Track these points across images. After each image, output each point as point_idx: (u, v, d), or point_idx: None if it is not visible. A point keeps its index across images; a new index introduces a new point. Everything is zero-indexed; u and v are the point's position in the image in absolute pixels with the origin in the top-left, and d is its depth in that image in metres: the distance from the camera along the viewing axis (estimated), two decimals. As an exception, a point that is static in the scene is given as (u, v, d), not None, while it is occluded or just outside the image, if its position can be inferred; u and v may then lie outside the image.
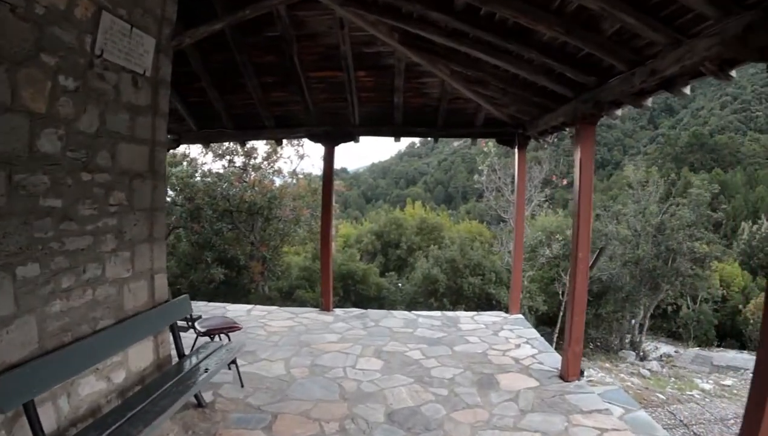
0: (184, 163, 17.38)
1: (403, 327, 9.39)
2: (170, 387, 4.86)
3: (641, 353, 20.95)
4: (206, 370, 5.34)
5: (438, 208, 39.80)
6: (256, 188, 17.72)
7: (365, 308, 18.49)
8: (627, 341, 22.45)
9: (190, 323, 6.41)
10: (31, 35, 3.74)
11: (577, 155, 6.70)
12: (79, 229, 4.45)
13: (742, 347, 25.68)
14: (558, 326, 18.84)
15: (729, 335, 27.49)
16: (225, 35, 7.99)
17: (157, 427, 4.19)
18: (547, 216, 23.23)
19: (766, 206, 47.14)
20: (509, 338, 8.89)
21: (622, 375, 16.53)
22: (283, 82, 9.23)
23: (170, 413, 4.45)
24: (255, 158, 18.42)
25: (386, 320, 9.86)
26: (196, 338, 6.51)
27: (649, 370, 18.14)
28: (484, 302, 16.67)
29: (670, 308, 26.10)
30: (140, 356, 5.38)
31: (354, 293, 18.44)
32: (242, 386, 6.31)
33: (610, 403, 6.16)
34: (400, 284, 19.85)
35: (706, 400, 12.31)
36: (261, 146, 18.49)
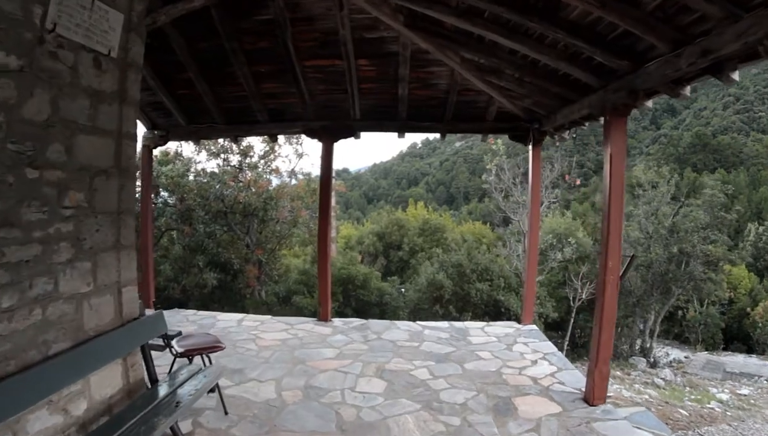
0: (178, 162, 16.51)
1: (408, 341, 8.64)
2: (142, 418, 4.22)
3: (652, 359, 20.34)
4: (185, 397, 4.58)
5: (440, 209, 39.63)
6: (252, 189, 16.90)
7: (366, 314, 17.99)
8: (637, 347, 21.88)
9: (166, 342, 5.62)
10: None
11: (607, 152, 5.94)
12: (24, 236, 3.71)
13: (749, 350, 25.44)
14: (569, 333, 18.17)
15: (736, 338, 27.17)
16: (212, 19, 7.23)
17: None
18: (554, 217, 22.51)
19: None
20: (524, 353, 8.18)
21: (636, 386, 15.97)
22: (276, 72, 8.54)
23: (140, 449, 3.68)
24: (251, 157, 17.62)
25: (389, 333, 9.11)
26: (174, 359, 5.70)
27: (663, 379, 17.64)
28: (492, 309, 15.89)
29: (680, 312, 25.58)
30: (106, 382, 4.63)
31: (354, 299, 17.70)
32: (226, 413, 5.56)
33: (639, 428, 5.49)
34: (403, 290, 19.06)
35: (728, 414, 11.67)
36: (257, 144, 17.79)
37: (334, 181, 26.77)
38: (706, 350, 24.70)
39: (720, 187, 24.86)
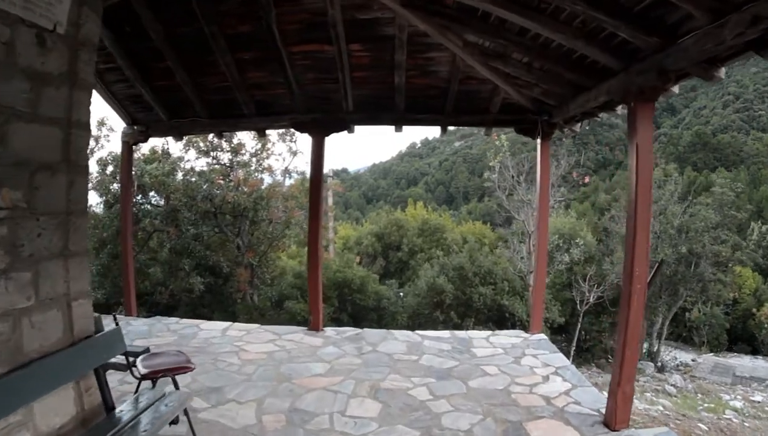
0: (164, 161, 15.79)
1: (406, 353, 7.95)
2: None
3: (659, 363, 19.76)
4: (143, 428, 3.92)
5: (439, 209, 39.45)
6: (242, 188, 16.17)
7: (362, 319, 17.34)
8: (644, 350, 21.28)
9: (129, 362, 4.92)
10: None
11: (633, 143, 5.25)
12: (-61, 244, 3.01)
13: (754, 351, 25.15)
14: (575, 338, 17.49)
15: (740, 339, 26.90)
16: (190, 1, 6.50)
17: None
18: (558, 217, 21.82)
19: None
20: (534, 367, 7.49)
21: (647, 394, 15.45)
22: (261, 59, 7.90)
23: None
24: (243, 155, 16.91)
25: (385, 344, 8.42)
26: (139, 382, 4.99)
27: (673, 386, 17.15)
28: (495, 315, 15.22)
29: (685, 314, 25.08)
30: (54, 410, 3.98)
31: (350, 304, 17.08)
32: (197, 443, 4.82)
33: (665, 453, 4.79)
34: (401, 294, 18.36)
35: (746, 424, 11.37)
36: (249, 141, 17.12)
37: (331, 180, 26.46)
38: (711, 351, 24.37)
39: (729, 186, 24.25)
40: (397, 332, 9.12)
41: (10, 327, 3.57)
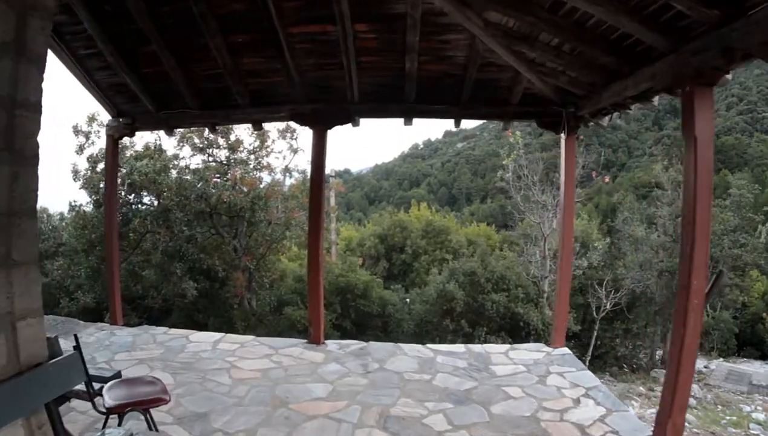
0: (156, 157, 14.98)
1: (418, 372, 7.16)
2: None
3: None
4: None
5: (442, 210, 38.83)
6: (241, 187, 15.36)
7: (366, 326, 16.57)
8: (657, 357, 20.49)
9: (91, 392, 4.12)
10: None
11: (690, 137, 4.52)
12: None
13: (762, 356, 24.52)
14: (591, 347, 16.65)
15: (749, 343, 26.22)
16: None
17: None
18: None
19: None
20: (562, 387, 6.71)
21: None
22: (256, 43, 7.14)
23: None
24: (241, 152, 16.12)
25: (394, 361, 7.62)
26: (106, 417, 4.18)
27: (692, 396, 16.23)
28: (509, 323, 14.40)
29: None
30: (-2, 452, 3.15)
31: (354, 310, 16.34)
32: (174, 489, 4.01)
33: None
34: (407, 300, 17.54)
35: None
36: (247, 138, 16.33)
37: (333, 180, 25.71)
38: (721, 356, 23.67)
39: (748, 187, 23.50)
40: (406, 347, 8.28)
41: (-69, 356, 2.80)
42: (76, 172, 14.54)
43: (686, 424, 10.19)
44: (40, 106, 3.63)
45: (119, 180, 14.04)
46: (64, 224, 17.14)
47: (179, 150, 15.63)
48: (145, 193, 14.86)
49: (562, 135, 8.08)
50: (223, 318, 15.47)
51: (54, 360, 3.80)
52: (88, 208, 15.04)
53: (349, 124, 8.05)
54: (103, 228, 13.36)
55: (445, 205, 62.81)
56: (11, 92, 3.33)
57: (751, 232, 23.17)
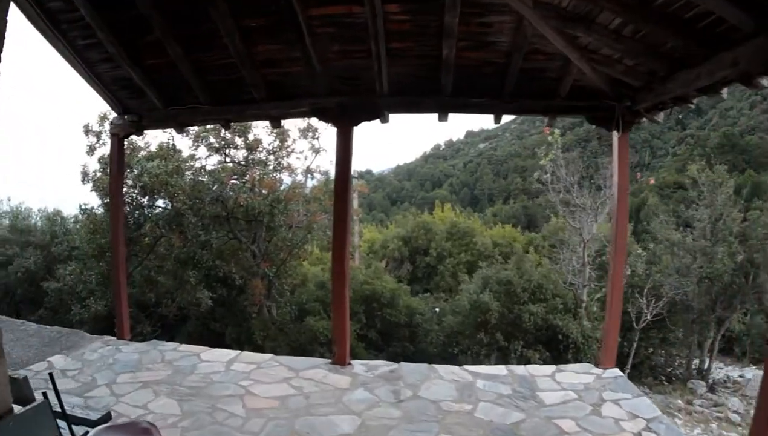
0: (173, 159, 14.23)
1: (457, 400, 6.34)
2: None
3: (710, 381, 17.95)
4: None
5: (464, 211, 38.92)
6: (258, 190, 14.58)
7: (393, 337, 15.69)
8: (693, 367, 19.44)
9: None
10: None
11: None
12: None
13: None
14: (631, 358, 15.64)
15: None
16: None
17: None
18: (603, 223, 19.99)
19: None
20: (620, 419, 5.88)
21: (713, 426, 13.98)
22: (272, 28, 6.35)
23: None
24: (259, 152, 15.35)
25: (429, 386, 6.78)
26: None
27: (735, 412, 15.38)
28: (545, 335, 13.47)
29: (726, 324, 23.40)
30: None
31: (379, 319, 15.57)
32: None
33: None
34: (437, 309, 16.65)
35: None
36: (266, 137, 15.67)
37: (356, 181, 24.90)
38: (752, 363, 22.62)
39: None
40: (441, 368, 7.41)
41: None
42: (85, 174, 13.86)
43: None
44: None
45: (131, 182, 13.45)
46: (78, 226, 16.53)
47: (194, 150, 14.92)
48: (156, 196, 14.08)
49: (615, 133, 7.19)
50: (240, 328, 14.85)
51: (15, 414, 2.99)
52: (99, 211, 14.34)
53: (377, 120, 7.19)
54: (122, 232, 12.80)
55: (468, 206, 62.97)
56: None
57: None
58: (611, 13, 5.27)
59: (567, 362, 13.23)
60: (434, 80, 6.79)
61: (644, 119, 7.24)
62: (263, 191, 14.83)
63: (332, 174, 12.21)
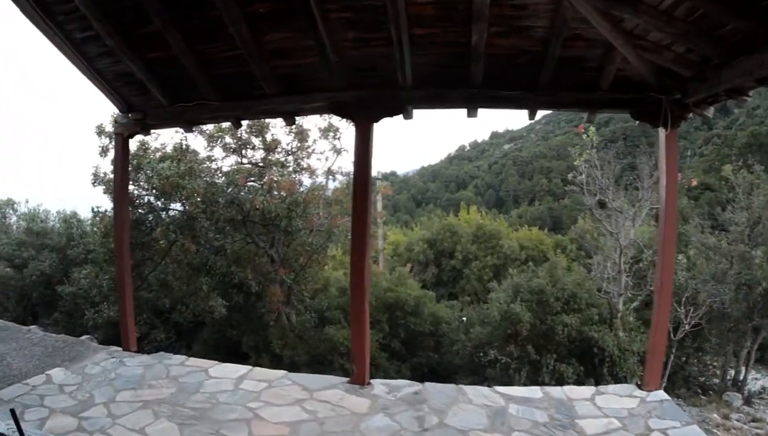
0: (186, 160, 13.64)
1: (488, 429, 5.74)
2: None
3: (746, 393, 17.05)
4: None
5: (489, 213, 37.80)
6: (279, 192, 13.93)
7: (417, 347, 15.00)
8: (728, 378, 18.52)
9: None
10: None
11: None
12: None
13: None
14: (668, 371, 14.75)
15: None
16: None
17: None
18: (640, 227, 19.01)
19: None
20: (670, 452, 5.13)
21: None
22: (282, 14, 5.81)
23: None
24: (278, 153, 14.73)
25: (456, 411, 6.14)
26: None
27: None
28: (578, 347, 12.63)
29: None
30: None
31: (403, 328, 14.89)
32: None
33: None
34: (464, 318, 15.90)
35: None
36: (284, 137, 15.03)
37: (380, 183, 24.28)
38: None
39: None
40: (470, 390, 6.74)
41: None
42: (96, 176, 13.32)
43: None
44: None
45: (145, 184, 12.95)
46: (95, 229, 16.11)
47: (210, 151, 14.34)
48: (169, 200, 13.52)
49: (661, 129, 6.48)
50: (258, 335, 14.32)
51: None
52: (111, 213, 13.84)
53: (400, 116, 6.52)
54: (127, 236, 12.34)
55: (493, 208, 62.66)
56: None
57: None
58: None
59: (602, 376, 12.51)
60: (462, 71, 6.18)
61: (692, 114, 6.55)
62: (282, 193, 14.22)
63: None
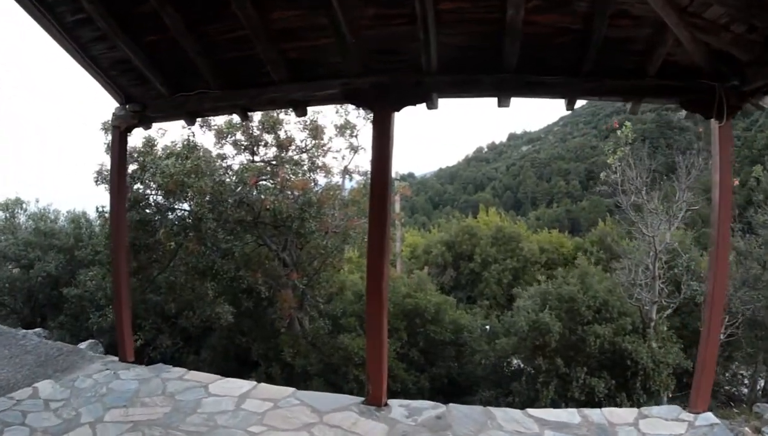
0: (193, 157, 13.04)
1: (523, 463, 4.83)
2: None
3: None
4: None
5: (508, 215, 37.85)
6: (289, 192, 13.28)
7: (437, 355, 14.38)
8: (758, 388, 17.70)
9: None
10: None
11: None
12: None
13: None
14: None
15: None
16: None
17: None
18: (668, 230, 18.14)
19: None
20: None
21: None
22: None
23: None
24: (292, 151, 14.15)
25: (486, 439, 5.28)
26: None
27: None
28: (609, 360, 11.80)
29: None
30: None
31: (422, 337, 14.24)
32: None
33: None
34: (487, 327, 15.13)
35: None
36: (298, 134, 14.58)
37: (398, 184, 23.61)
38: None
39: None
40: (499, 413, 5.99)
41: None
42: (99, 174, 12.77)
43: None
44: None
45: (152, 183, 12.40)
46: (101, 230, 15.64)
47: (219, 148, 13.78)
48: (173, 199, 12.93)
49: (714, 121, 5.74)
50: (269, 343, 13.72)
51: None
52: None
53: (424, 105, 5.78)
54: (128, 237, 11.82)
55: (510, 210, 62.90)
56: None
57: None
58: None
59: (633, 390, 11.72)
60: (494, 53, 5.45)
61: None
62: (295, 193, 13.59)
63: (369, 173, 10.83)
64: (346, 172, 16.00)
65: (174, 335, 13.71)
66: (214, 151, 14.20)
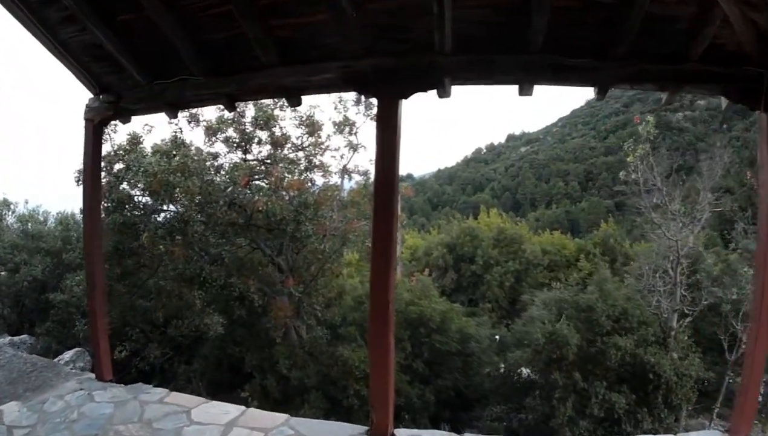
0: (180, 154, 12.36)
1: None
2: None
3: None
4: None
5: (506, 216, 37.52)
6: (285, 192, 12.63)
7: (443, 366, 13.79)
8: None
9: None
10: None
11: None
12: None
13: None
14: (722, 394, 13.21)
15: None
16: None
17: None
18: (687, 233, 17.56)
19: None
20: None
21: None
22: None
23: None
24: (287, 148, 13.51)
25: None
26: None
27: None
28: (629, 372, 11.08)
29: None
30: None
31: (427, 347, 13.59)
32: None
33: None
34: (497, 337, 14.46)
35: None
36: (294, 131, 13.96)
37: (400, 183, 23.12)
38: None
39: None
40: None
41: None
42: (81, 173, 12.12)
43: None
44: None
45: (139, 183, 11.75)
46: (97, 232, 15.03)
47: (209, 146, 13.14)
48: (158, 200, 12.25)
49: (762, 114, 5.02)
50: (263, 353, 13.06)
51: None
52: (101, 215, 12.69)
53: (434, 91, 5.00)
54: (112, 242, 11.10)
55: (509, 211, 63.26)
56: None
57: None
58: None
59: (655, 404, 11.05)
60: (517, 30, 4.66)
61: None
62: (291, 193, 12.94)
63: (373, 174, 9.94)
64: (345, 171, 15.48)
65: (164, 344, 13.10)
66: (205, 149, 13.59)
